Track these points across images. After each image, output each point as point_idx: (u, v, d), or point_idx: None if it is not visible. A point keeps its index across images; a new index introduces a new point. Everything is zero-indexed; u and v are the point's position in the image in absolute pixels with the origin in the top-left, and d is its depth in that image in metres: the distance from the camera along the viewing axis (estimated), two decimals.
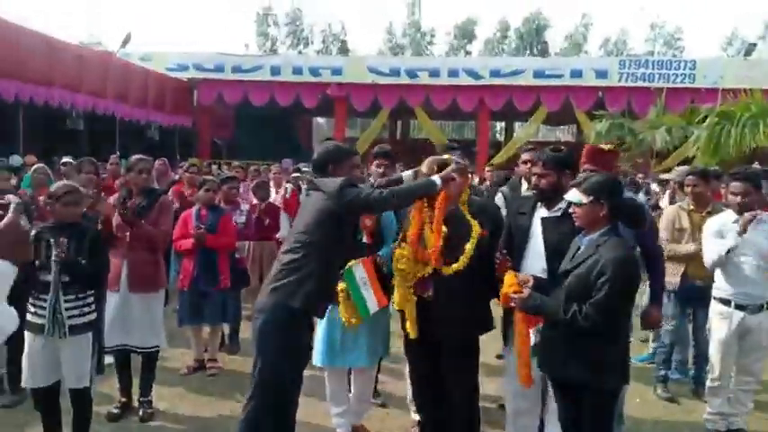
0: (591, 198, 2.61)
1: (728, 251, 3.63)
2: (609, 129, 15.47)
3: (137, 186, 3.96)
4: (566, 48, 35.34)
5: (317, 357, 3.50)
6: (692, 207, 4.40)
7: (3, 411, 3.98)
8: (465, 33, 37.35)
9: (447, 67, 18.36)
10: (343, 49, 20.58)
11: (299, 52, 31.59)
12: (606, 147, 3.28)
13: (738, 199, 3.67)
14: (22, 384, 3.31)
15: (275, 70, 18.17)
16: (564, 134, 35.61)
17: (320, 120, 30.94)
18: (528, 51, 35.68)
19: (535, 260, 3.02)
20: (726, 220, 3.79)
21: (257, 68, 18.24)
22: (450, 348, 3.09)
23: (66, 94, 12.62)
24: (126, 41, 16.79)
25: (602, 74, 17.62)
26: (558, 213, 2.99)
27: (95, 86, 13.68)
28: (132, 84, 15.32)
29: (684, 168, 5.69)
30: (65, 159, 6.87)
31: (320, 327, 3.43)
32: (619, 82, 17.45)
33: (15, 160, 9.52)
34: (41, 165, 6.02)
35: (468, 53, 36.98)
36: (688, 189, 4.41)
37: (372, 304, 3.08)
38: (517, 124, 24.82)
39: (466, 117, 22.99)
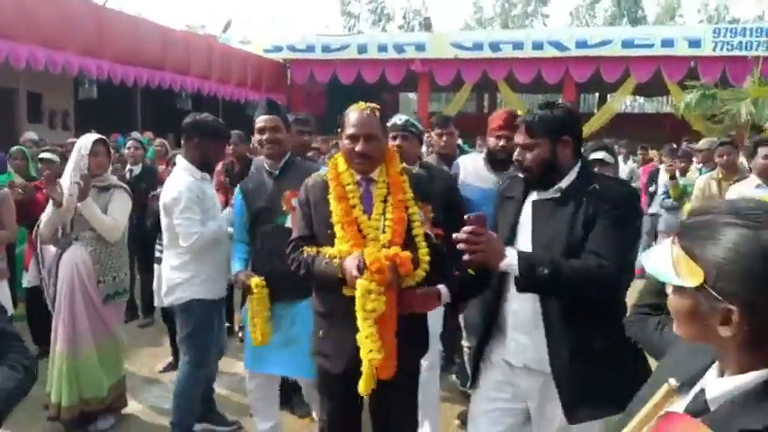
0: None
1: None
2: (699, 100, 15.13)
3: (236, 156, 4.95)
4: (660, 14, 33.75)
5: (245, 360, 3.10)
6: (721, 176, 4.79)
7: (140, 330, 5.23)
8: None
9: (531, 40, 18.41)
10: (427, 25, 20.97)
11: (383, 29, 32.33)
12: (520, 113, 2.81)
13: None
14: (155, 304, 4.38)
15: (362, 48, 19.02)
16: (662, 105, 34.18)
17: (410, 95, 31.56)
18: (625, 18, 34.37)
19: None
20: (746, 187, 4.15)
21: (345, 47, 19.16)
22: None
23: (176, 78, 13.91)
24: (227, 27, 18.22)
25: (695, 43, 17.03)
26: (557, 195, 2.10)
27: (201, 70, 14.94)
28: (233, 66, 16.51)
29: (712, 139, 5.96)
30: None
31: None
32: (713, 51, 16.82)
33: (137, 136, 11.02)
34: (161, 140, 7.23)
35: (545, 17, 36.21)
36: (719, 159, 4.78)
37: None
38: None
39: (550, 89, 22.83)
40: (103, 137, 3.72)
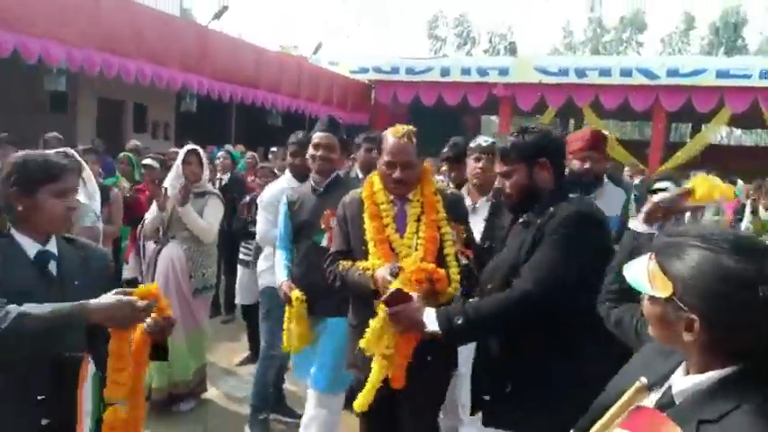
0: None
1: None
2: None
3: None
4: (763, 43, 32.07)
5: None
6: None
7: (222, 325, 5.69)
8: (635, 22, 35.48)
9: (620, 67, 18.06)
10: (512, 50, 21.01)
11: (468, 53, 32.60)
12: (608, 133, 2.93)
13: None
14: (236, 302, 4.77)
15: (445, 71, 19.28)
16: (761, 138, 32.32)
17: (492, 117, 31.58)
18: (722, 47, 32.96)
19: None
20: None
21: (429, 70, 19.50)
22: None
23: (268, 95, 14.53)
24: (318, 48, 19.04)
25: None
26: (526, 218, 2.12)
27: (292, 88, 15.51)
28: (321, 85, 17.00)
29: None
30: (272, 149, 8.70)
31: None
32: None
33: (229, 148, 11.73)
34: (252, 153, 7.78)
35: (639, 44, 35.17)
36: None
37: None
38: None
39: (639, 117, 22.22)
40: (196, 147, 4.13)
